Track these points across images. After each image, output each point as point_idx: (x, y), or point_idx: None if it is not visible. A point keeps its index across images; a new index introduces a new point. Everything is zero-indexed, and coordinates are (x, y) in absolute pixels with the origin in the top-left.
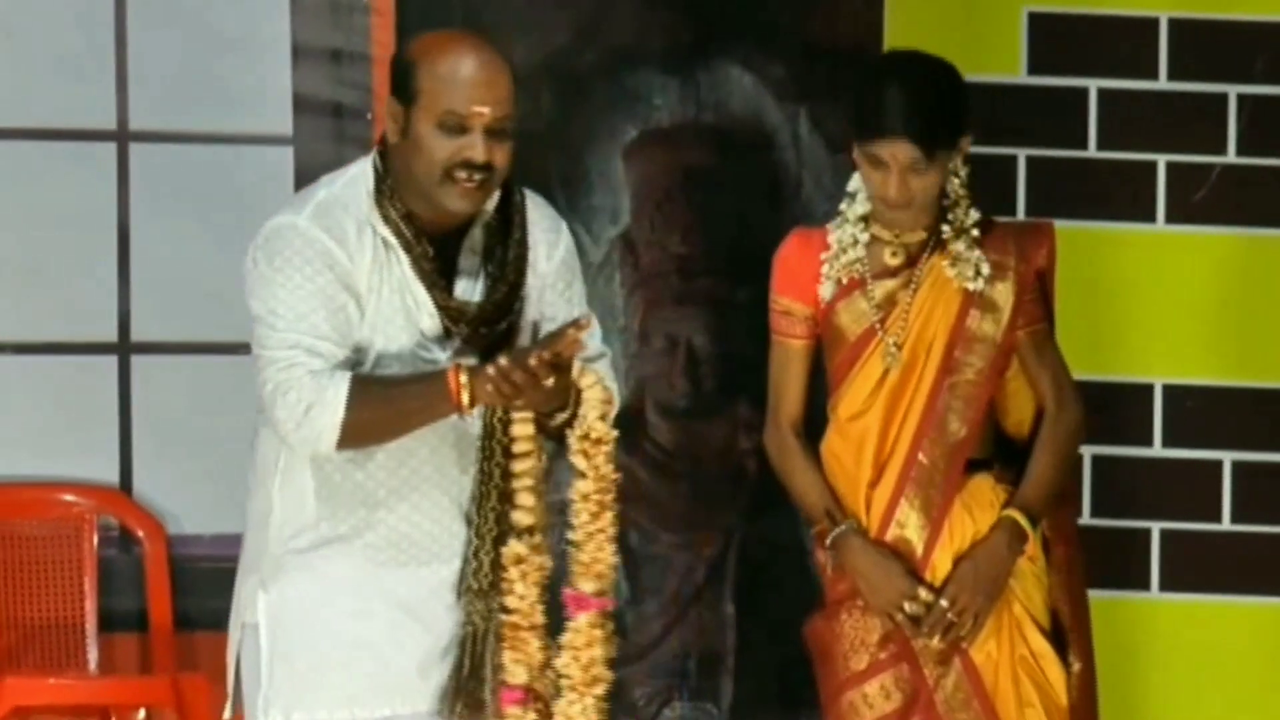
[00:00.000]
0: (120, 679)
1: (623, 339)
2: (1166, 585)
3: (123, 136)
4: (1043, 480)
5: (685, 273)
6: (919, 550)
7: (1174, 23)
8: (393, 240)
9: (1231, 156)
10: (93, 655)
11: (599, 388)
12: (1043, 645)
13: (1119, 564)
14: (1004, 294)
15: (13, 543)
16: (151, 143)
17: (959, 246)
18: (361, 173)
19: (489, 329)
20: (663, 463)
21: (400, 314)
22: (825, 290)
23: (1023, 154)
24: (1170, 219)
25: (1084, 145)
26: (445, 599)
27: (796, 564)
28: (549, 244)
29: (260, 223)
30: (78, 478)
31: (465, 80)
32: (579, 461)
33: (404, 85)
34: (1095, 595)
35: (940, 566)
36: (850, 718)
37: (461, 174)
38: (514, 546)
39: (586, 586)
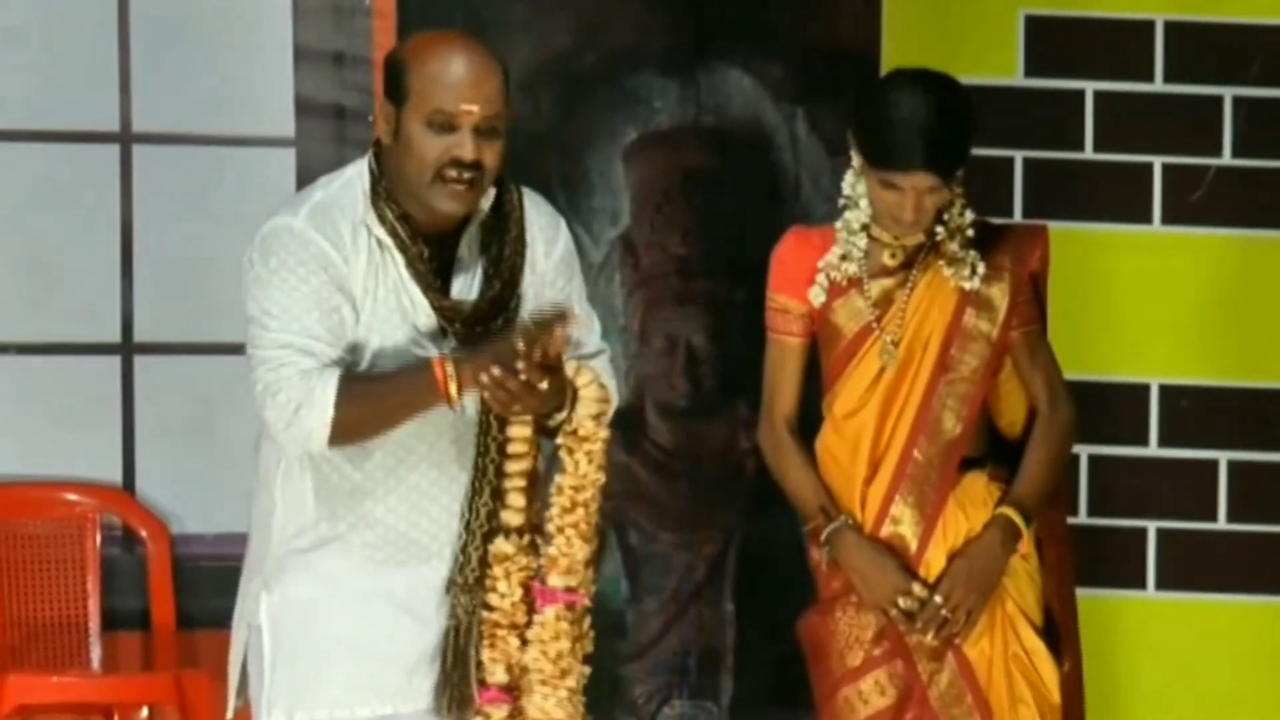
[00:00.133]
0: (123, 677)
1: (623, 339)
2: (1162, 584)
3: (126, 138)
4: (1036, 478)
5: (685, 273)
6: (913, 547)
7: (1170, 25)
8: (388, 241)
9: (1227, 158)
10: (96, 654)
11: (594, 386)
12: (1036, 643)
13: (1115, 563)
14: (999, 294)
15: (16, 542)
16: (154, 144)
17: (954, 247)
18: (357, 174)
19: (485, 327)
20: (663, 463)
21: (396, 314)
22: (815, 295)
23: (1019, 156)
24: (1166, 220)
25: (1080, 147)
26: (442, 596)
27: (796, 563)
28: (547, 241)
29: (262, 224)
30: (81, 477)
31: (454, 79)
32: (563, 456)
33: (395, 85)
34: (1091, 594)
35: (934, 563)
36: (846, 714)
37: (451, 173)
38: (501, 545)
39: (554, 581)
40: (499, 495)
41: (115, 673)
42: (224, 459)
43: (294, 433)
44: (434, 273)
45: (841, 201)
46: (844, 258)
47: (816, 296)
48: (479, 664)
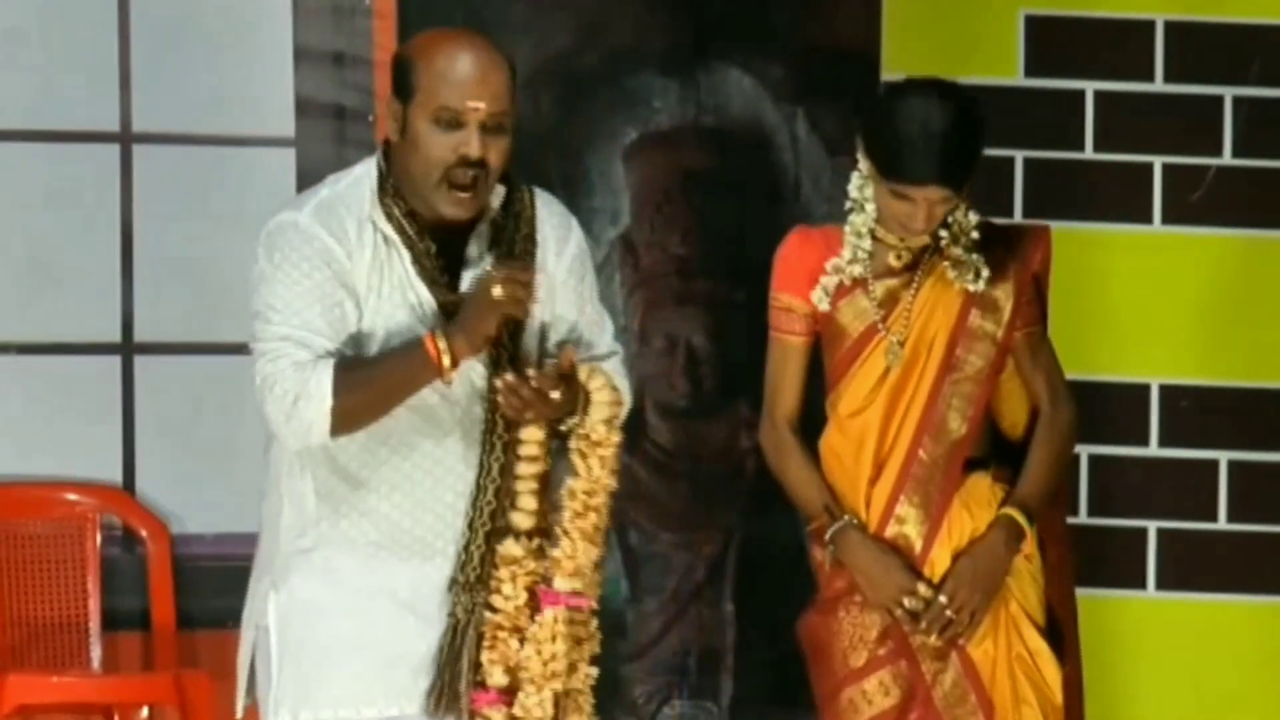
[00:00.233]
0: (123, 677)
1: (623, 339)
2: (1163, 584)
3: (126, 138)
4: (1039, 479)
5: (685, 273)
6: (918, 547)
7: (1170, 25)
8: (394, 237)
9: (1227, 158)
10: (96, 654)
11: (607, 390)
12: (1039, 643)
13: (1115, 563)
14: (1004, 294)
15: (16, 542)
16: (154, 144)
17: (958, 250)
18: (366, 172)
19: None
20: (663, 463)
21: (401, 310)
22: (819, 298)
23: (1020, 156)
24: (1166, 220)
25: (1080, 147)
26: (447, 595)
27: (796, 563)
28: (558, 241)
29: (262, 224)
30: (81, 477)
31: (460, 76)
32: (575, 460)
33: (402, 83)
34: (1091, 594)
35: (939, 563)
36: (849, 715)
37: (457, 175)
38: (510, 547)
39: (560, 584)
40: (503, 495)
41: (115, 673)
42: (224, 459)
43: (294, 425)
44: (441, 269)
45: (848, 205)
46: (851, 260)
47: (821, 300)
48: (478, 665)
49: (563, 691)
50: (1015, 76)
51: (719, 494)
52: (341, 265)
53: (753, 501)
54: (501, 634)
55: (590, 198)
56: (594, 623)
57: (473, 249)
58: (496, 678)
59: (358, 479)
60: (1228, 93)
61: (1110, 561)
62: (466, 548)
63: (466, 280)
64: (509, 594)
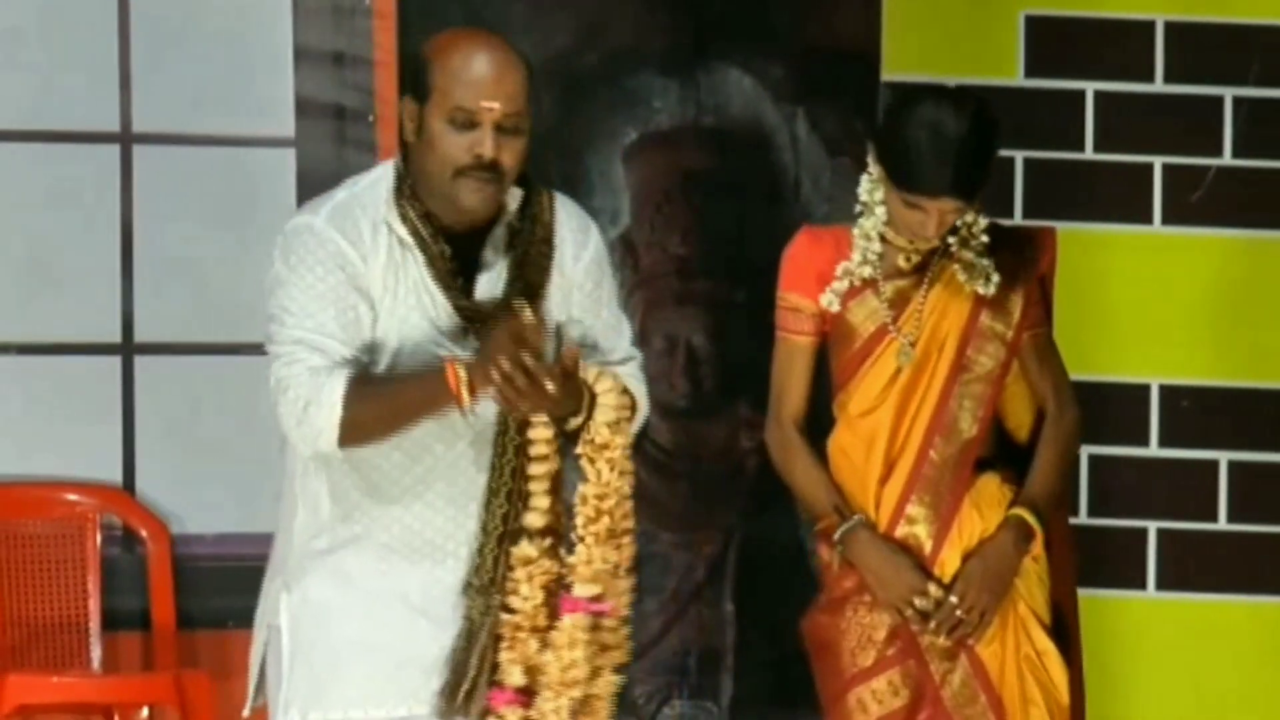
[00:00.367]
0: (123, 677)
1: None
2: (1163, 584)
3: (126, 139)
4: (1047, 479)
5: (685, 274)
6: (928, 547)
7: (1170, 25)
8: (409, 239)
9: (1227, 158)
10: (96, 654)
11: (614, 393)
12: (1046, 644)
13: (1116, 563)
14: (1013, 296)
15: (16, 542)
16: (154, 145)
17: (969, 255)
18: (384, 174)
19: None
20: (663, 463)
21: (416, 313)
22: (829, 300)
23: (1020, 156)
24: (1167, 220)
25: (1081, 147)
26: (459, 597)
27: (796, 563)
28: (576, 244)
29: (262, 224)
30: (81, 477)
31: (475, 76)
32: (584, 464)
33: (418, 83)
34: (1092, 594)
35: (949, 564)
36: (857, 714)
37: (472, 171)
38: (524, 548)
39: (579, 590)
40: (516, 498)
41: (115, 673)
42: (224, 459)
43: (304, 431)
44: (456, 272)
45: (858, 207)
46: (861, 262)
47: (831, 302)
48: (495, 665)
49: (580, 698)
50: (1015, 77)
51: (719, 494)
52: (356, 268)
53: (753, 501)
54: (520, 634)
55: (590, 198)
56: (623, 630)
57: (489, 252)
58: (515, 678)
59: (370, 481)
60: (1228, 93)
61: (1110, 561)
62: (480, 550)
63: (482, 284)
64: (526, 594)
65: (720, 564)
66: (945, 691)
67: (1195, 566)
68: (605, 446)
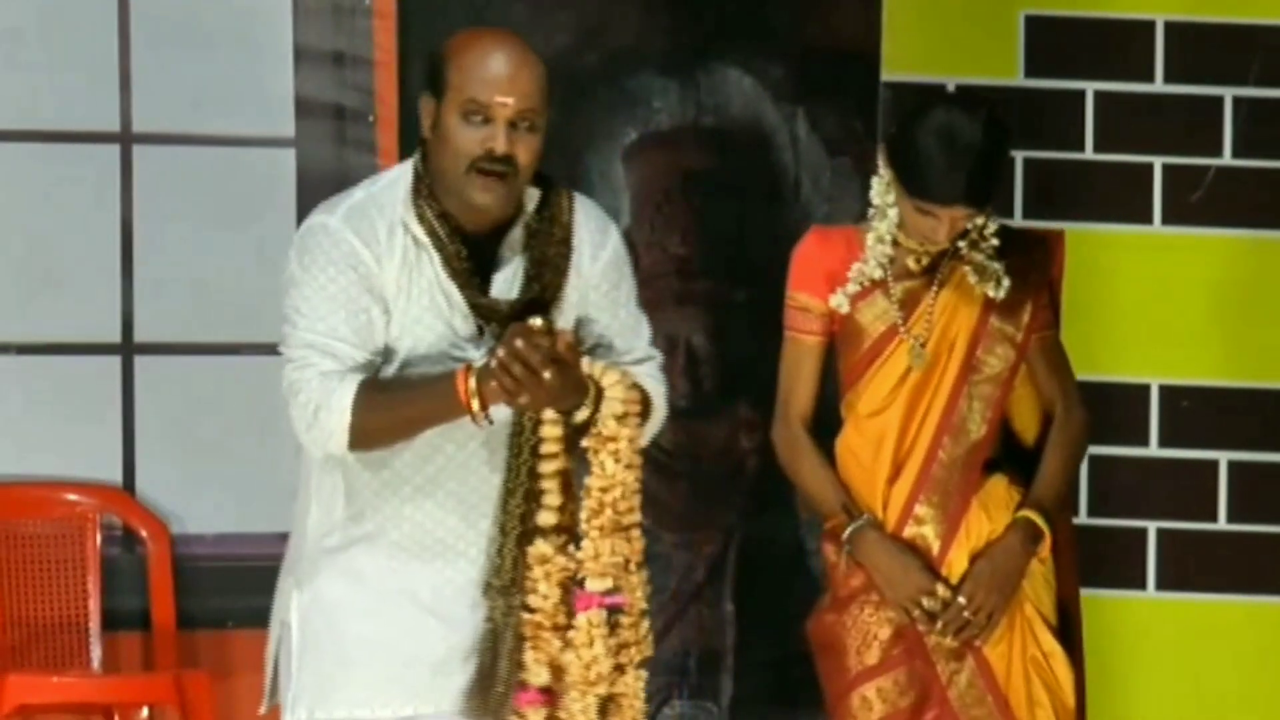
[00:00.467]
0: (123, 677)
1: None
2: (1163, 584)
3: (126, 139)
4: (1055, 481)
5: (685, 274)
6: (935, 547)
7: (1170, 25)
8: (425, 239)
9: (1227, 158)
10: (96, 654)
11: (620, 386)
12: (1053, 645)
13: (1115, 563)
14: (1022, 298)
15: (16, 542)
16: (154, 145)
17: (980, 257)
18: (402, 174)
19: None
20: (663, 463)
21: (430, 313)
22: (839, 302)
23: (1020, 156)
24: (1167, 220)
25: (1081, 147)
26: (469, 598)
27: (796, 563)
28: (594, 245)
29: (261, 224)
30: (81, 477)
31: (490, 71)
32: (590, 457)
33: (435, 79)
34: (1092, 594)
35: (956, 565)
36: (863, 713)
37: (484, 166)
38: (539, 546)
39: (591, 585)
40: (532, 497)
41: (115, 673)
42: (224, 459)
43: (315, 434)
44: (472, 271)
45: (870, 210)
46: (876, 264)
47: (841, 304)
48: (521, 665)
49: (608, 696)
50: (1015, 77)
51: (719, 494)
52: (369, 269)
53: (753, 501)
54: (543, 633)
55: (590, 198)
56: (644, 625)
57: (505, 251)
58: (541, 677)
59: (381, 480)
60: (1228, 93)
61: (1110, 561)
62: (499, 551)
63: (498, 282)
64: (545, 593)
65: (720, 564)
66: (951, 692)
67: (1195, 566)
68: (611, 439)
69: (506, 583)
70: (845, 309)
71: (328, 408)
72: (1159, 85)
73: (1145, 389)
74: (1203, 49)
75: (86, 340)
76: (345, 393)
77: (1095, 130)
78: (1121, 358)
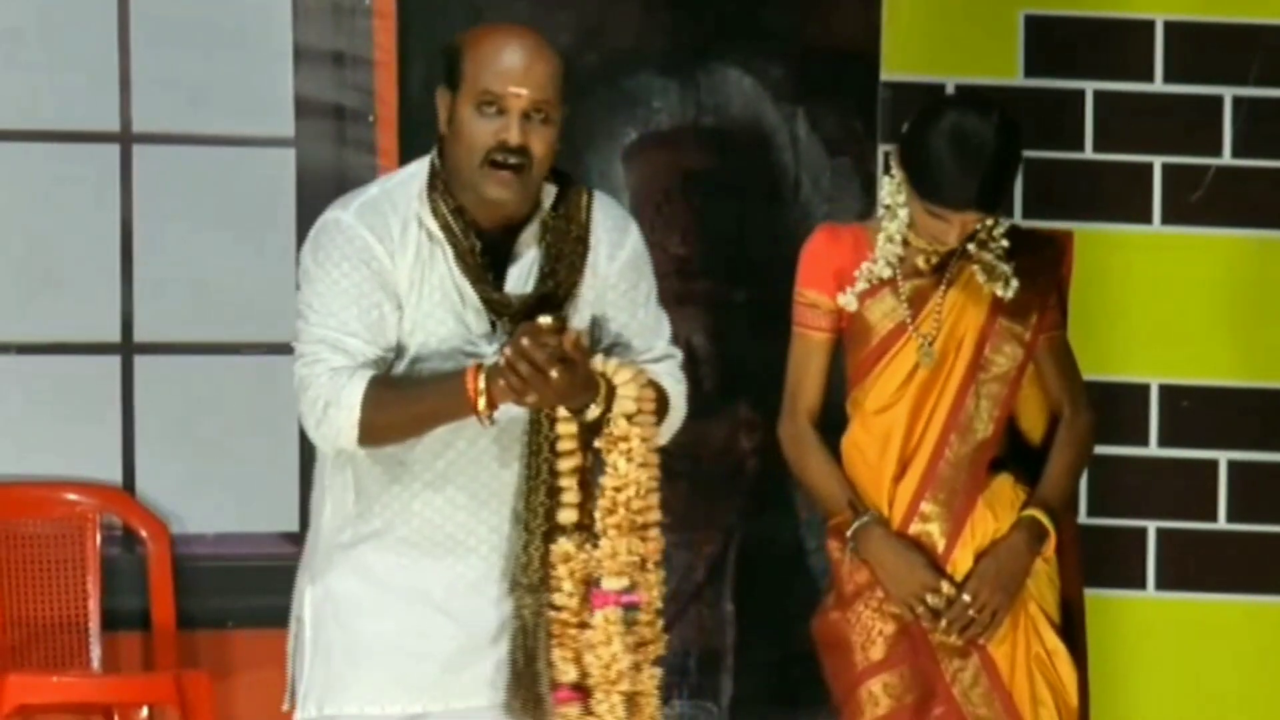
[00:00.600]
0: (123, 677)
1: None
2: (1162, 584)
3: (126, 138)
4: (1061, 481)
5: (685, 274)
6: (940, 546)
7: (1170, 25)
8: (438, 234)
9: (1227, 158)
10: (96, 654)
11: (633, 385)
12: (1056, 644)
13: (1115, 563)
14: (1031, 298)
15: (16, 542)
16: (154, 144)
17: (989, 257)
18: (419, 169)
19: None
20: (663, 463)
21: (442, 308)
22: (848, 301)
23: None
24: (1166, 220)
25: (1080, 147)
26: (480, 594)
27: (796, 563)
28: (612, 244)
29: (261, 224)
30: (81, 477)
31: (504, 63)
32: (604, 456)
33: (451, 72)
34: (1092, 594)
35: (961, 563)
36: (869, 708)
37: (497, 158)
38: (562, 544)
39: (607, 583)
40: (555, 493)
41: (115, 673)
42: (224, 459)
43: (324, 430)
44: (485, 267)
45: (880, 210)
46: (886, 263)
47: (849, 303)
48: (550, 664)
49: (631, 694)
50: (1015, 76)
51: (719, 494)
52: (382, 264)
53: (753, 501)
54: (570, 630)
55: None
56: (659, 624)
57: (520, 246)
58: (570, 674)
59: (391, 475)
60: (1227, 93)
61: (1110, 561)
62: (526, 548)
63: (512, 277)
64: (570, 590)
65: (720, 564)
66: (955, 689)
67: (1195, 566)
68: (623, 438)
69: (536, 581)
70: (853, 308)
71: (337, 404)
72: (1159, 85)
73: (1145, 389)
74: (1203, 49)
75: (86, 340)
76: (355, 389)
77: (1095, 130)
78: (1122, 357)
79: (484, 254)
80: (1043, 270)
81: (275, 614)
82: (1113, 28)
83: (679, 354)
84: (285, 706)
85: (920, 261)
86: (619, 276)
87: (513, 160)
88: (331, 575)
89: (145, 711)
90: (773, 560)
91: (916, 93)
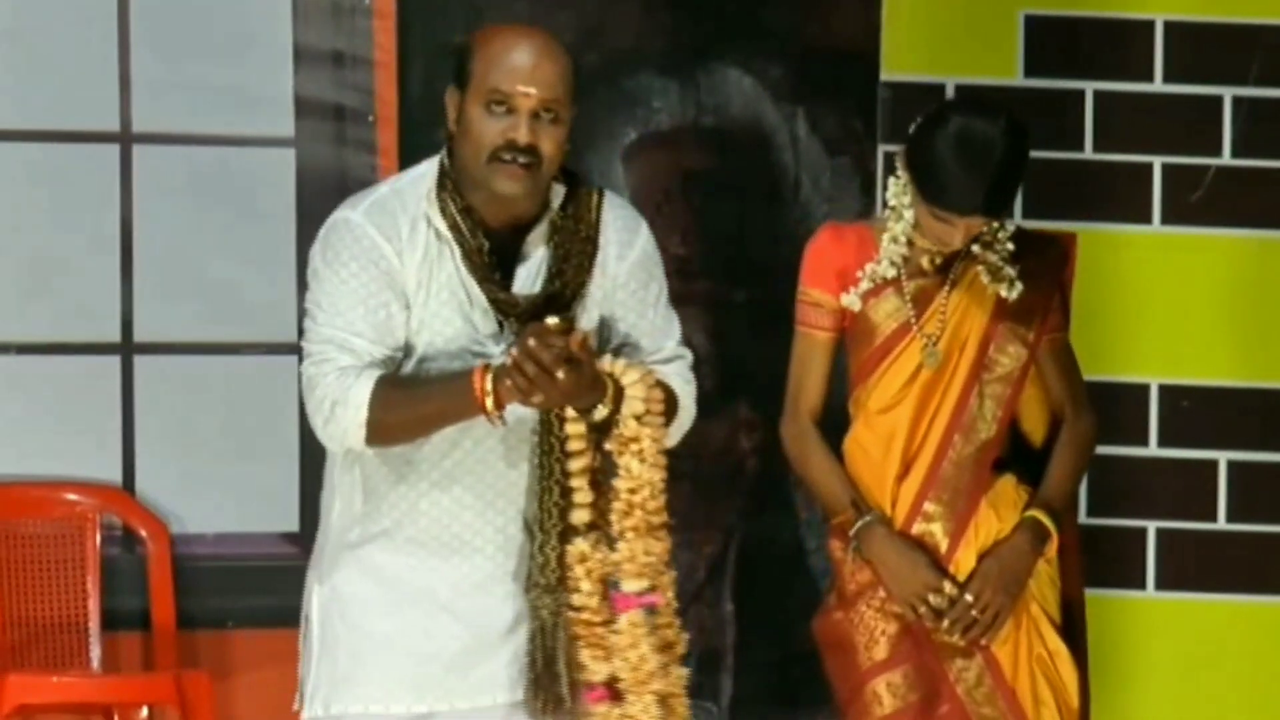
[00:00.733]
0: (123, 677)
1: None
2: (1162, 584)
3: (125, 138)
4: (1063, 483)
5: (685, 274)
6: (943, 546)
7: (1170, 25)
8: (446, 233)
9: (1227, 158)
10: (96, 654)
11: (641, 385)
12: (1058, 645)
13: (1115, 563)
14: (1034, 299)
15: (16, 542)
16: (154, 144)
17: (993, 258)
18: (429, 169)
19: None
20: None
21: (449, 307)
22: (851, 301)
23: None
24: (1166, 220)
25: (1080, 147)
26: (487, 594)
27: (796, 563)
28: (621, 244)
29: (261, 224)
30: (81, 477)
31: (513, 62)
32: (615, 458)
33: (460, 71)
34: (1092, 594)
35: (964, 564)
36: (874, 708)
37: (506, 156)
38: (579, 545)
39: (627, 586)
40: (567, 494)
41: (115, 673)
42: (224, 459)
43: (331, 430)
44: (493, 266)
45: (885, 210)
46: (891, 263)
47: (853, 304)
48: (579, 664)
49: (662, 692)
50: (1015, 76)
51: (719, 494)
52: (390, 264)
53: (753, 501)
54: (595, 629)
55: None
56: (677, 623)
57: (528, 246)
58: (600, 674)
59: (398, 475)
60: (1227, 93)
61: (1110, 561)
62: (541, 549)
63: (520, 277)
64: (589, 590)
65: (720, 564)
66: (960, 689)
67: (1195, 566)
68: (633, 439)
69: (553, 581)
70: (857, 308)
71: (344, 403)
72: (1159, 85)
73: (1145, 389)
74: (1203, 49)
75: (86, 340)
76: (362, 389)
77: (1095, 130)
78: (1122, 357)
79: (492, 254)
80: (1046, 272)
81: (275, 614)
82: (1113, 28)
83: (689, 355)
84: (296, 705)
85: (924, 262)
86: (628, 276)
87: (522, 159)
88: (339, 574)
89: (145, 711)
90: (773, 560)
91: (916, 93)
